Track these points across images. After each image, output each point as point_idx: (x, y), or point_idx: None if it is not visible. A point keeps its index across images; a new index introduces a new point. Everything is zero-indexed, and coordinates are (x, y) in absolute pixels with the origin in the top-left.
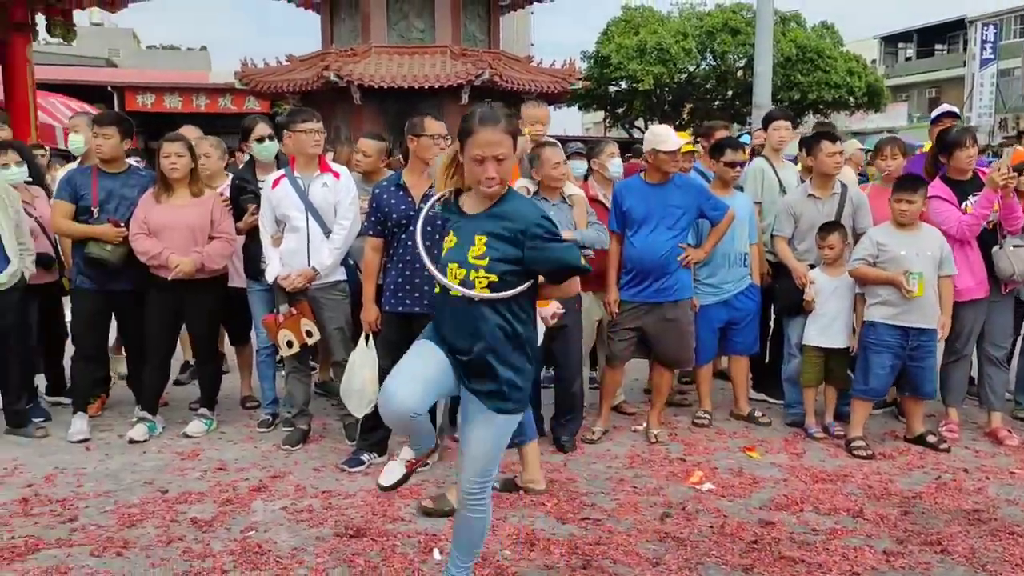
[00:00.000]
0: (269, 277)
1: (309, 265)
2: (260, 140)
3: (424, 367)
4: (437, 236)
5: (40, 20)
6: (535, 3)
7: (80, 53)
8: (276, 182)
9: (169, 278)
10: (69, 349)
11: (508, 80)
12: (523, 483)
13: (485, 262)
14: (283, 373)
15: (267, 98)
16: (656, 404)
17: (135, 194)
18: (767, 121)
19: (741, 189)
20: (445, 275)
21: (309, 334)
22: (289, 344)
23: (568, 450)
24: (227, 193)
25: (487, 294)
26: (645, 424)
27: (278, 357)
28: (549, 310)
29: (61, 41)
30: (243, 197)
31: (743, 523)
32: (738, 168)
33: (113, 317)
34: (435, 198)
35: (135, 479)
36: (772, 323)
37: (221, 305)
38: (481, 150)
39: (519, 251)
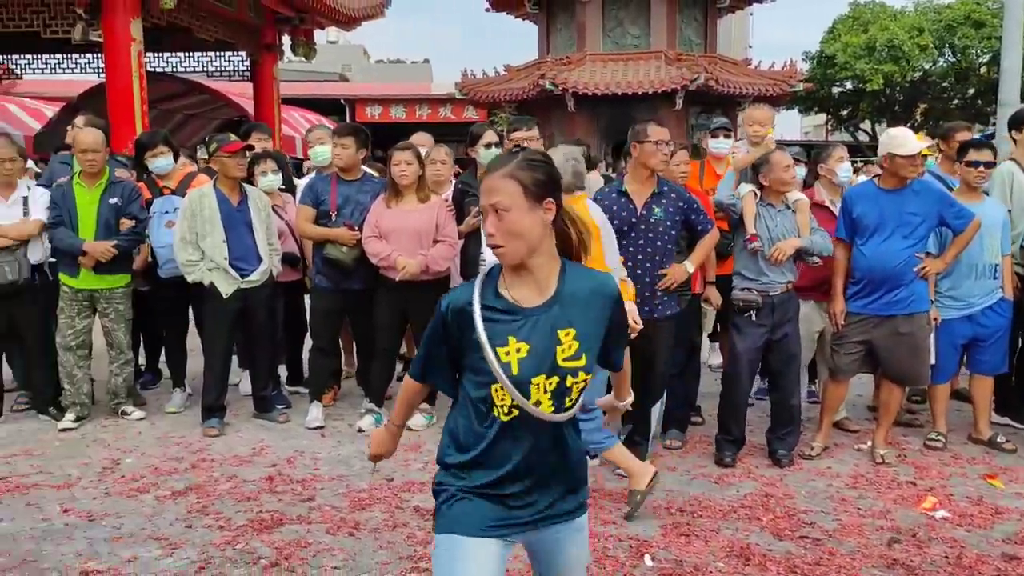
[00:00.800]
0: None
1: None
2: (487, 146)
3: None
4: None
5: (286, 40)
6: (754, 4)
7: (316, 69)
8: None
9: (396, 279)
10: (306, 343)
11: (724, 84)
12: (635, 486)
13: (582, 361)
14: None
15: (485, 107)
16: (883, 422)
17: (368, 199)
18: (1015, 122)
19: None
20: (527, 396)
21: None
22: None
23: (785, 464)
24: (451, 198)
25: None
26: (870, 443)
27: None
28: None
29: (303, 59)
30: (466, 200)
31: (983, 556)
32: (981, 168)
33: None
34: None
35: (364, 466)
36: (1022, 341)
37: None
38: (483, 198)
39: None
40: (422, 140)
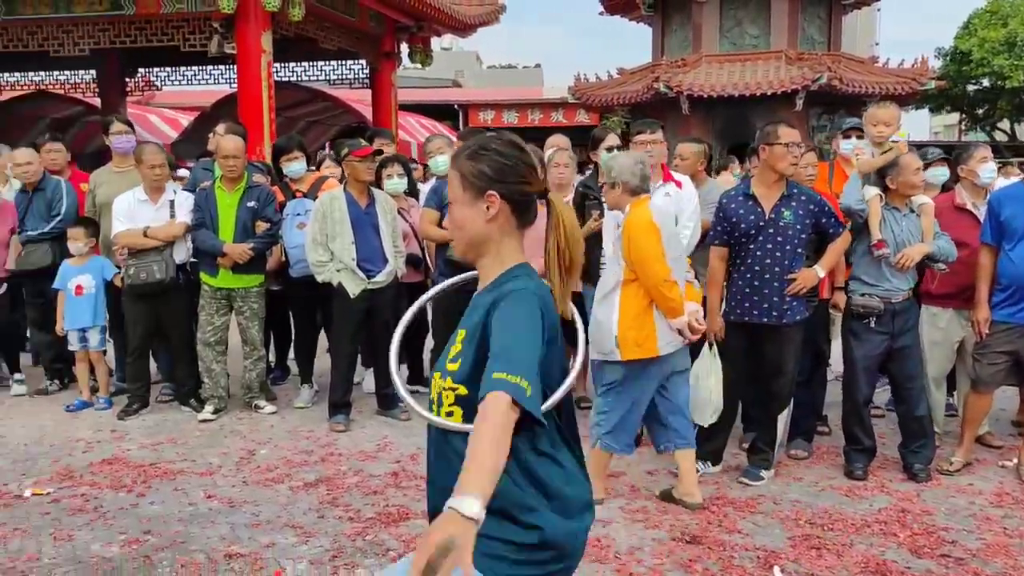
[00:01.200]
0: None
1: None
2: (609, 150)
3: None
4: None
5: (403, 48)
6: None
7: (431, 76)
8: None
9: None
10: (427, 344)
11: (848, 83)
12: (679, 495)
13: (456, 365)
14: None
15: (597, 111)
16: None
17: None
18: None
19: None
20: (430, 390)
21: None
22: None
23: (921, 479)
24: (571, 201)
25: (456, 423)
26: (1016, 460)
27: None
28: (683, 319)
29: (419, 66)
30: (587, 203)
31: None
32: None
33: None
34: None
35: None
36: None
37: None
38: None
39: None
40: (559, 142)
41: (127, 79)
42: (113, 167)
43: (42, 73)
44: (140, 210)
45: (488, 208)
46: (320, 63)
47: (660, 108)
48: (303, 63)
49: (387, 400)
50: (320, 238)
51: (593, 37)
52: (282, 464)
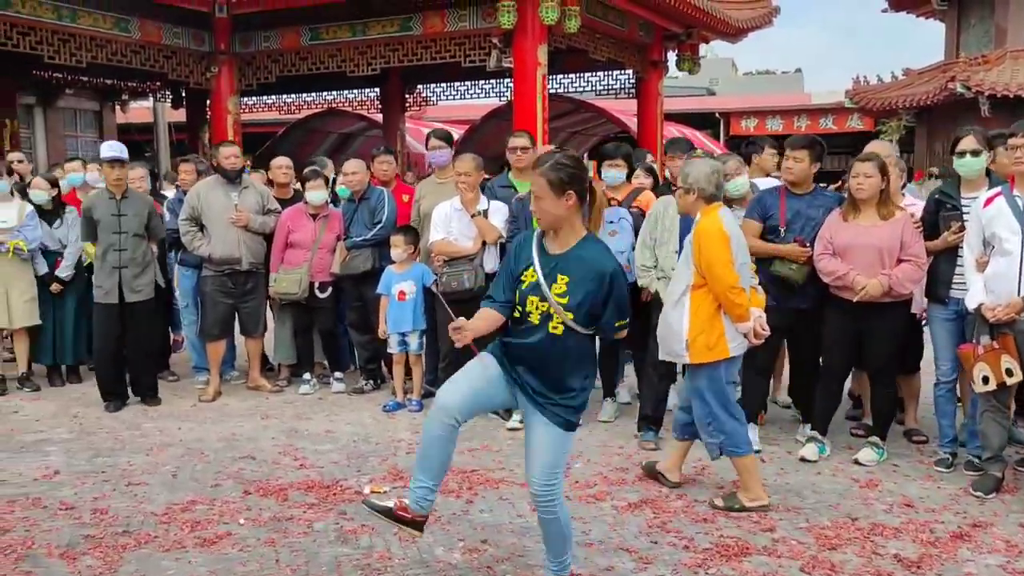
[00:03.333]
0: (971, 304)
1: (1020, 294)
2: (961, 155)
3: (474, 380)
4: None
5: (670, 57)
6: None
7: (685, 84)
8: (989, 200)
9: (854, 300)
10: None
11: None
12: (747, 501)
13: (566, 300)
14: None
15: (876, 115)
16: None
17: (820, 214)
18: None
19: None
20: (523, 306)
21: (1010, 372)
22: (985, 380)
23: None
24: (918, 214)
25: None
26: None
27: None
28: (749, 325)
29: (687, 73)
30: (945, 214)
31: None
32: None
33: None
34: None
35: (819, 500)
36: None
37: (904, 330)
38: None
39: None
40: (881, 148)
41: (406, 95)
42: (435, 178)
43: (333, 92)
44: (456, 219)
45: (567, 201)
46: (586, 74)
47: (951, 110)
48: (569, 75)
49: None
50: (649, 241)
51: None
52: (600, 480)
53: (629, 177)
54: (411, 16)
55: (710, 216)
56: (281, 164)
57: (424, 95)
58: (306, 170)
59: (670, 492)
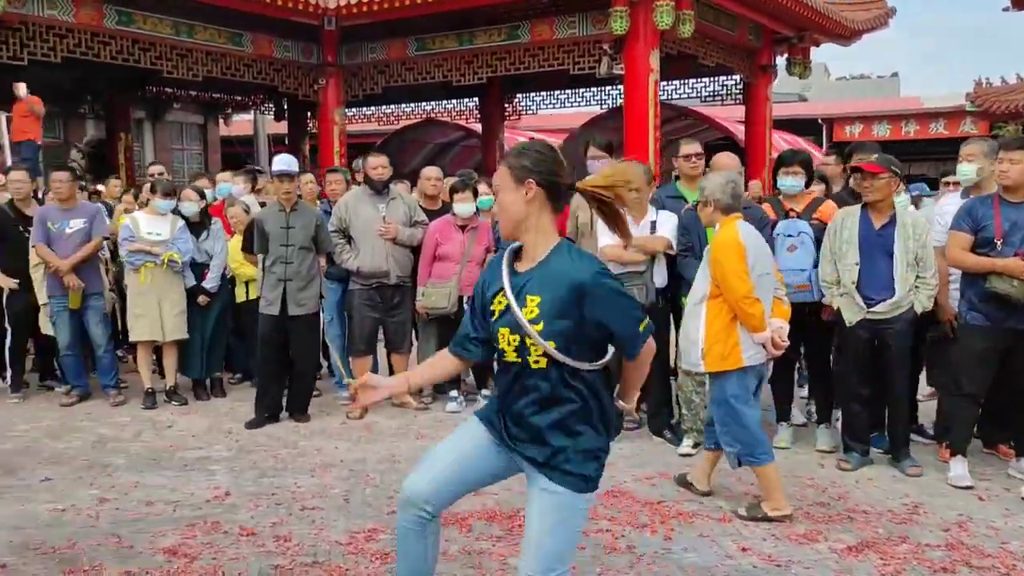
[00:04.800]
0: None
1: None
2: None
3: (449, 453)
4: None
5: (779, 62)
6: None
7: (777, 91)
8: None
9: None
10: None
11: None
12: (769, 510)
13: (539, 327)
14: None
15: (996, 119)
16: None
17: None
18: None
19: None
20: (496, 343)
21: None
22: None
23: None
24: None
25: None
26: None
27: None
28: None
29: (797, 77)
30: None
31: None
32: None
33: None
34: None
35: None
36: None
37: None
38: None
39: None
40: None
41: (506, 104)
42: None
43: (432, 103)
44: None
45: (527, 193)
46: (692, 80)
47: None
48: (673, 81)
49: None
50: (829, 256)
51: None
52: (803, 518)
53: (808, 185)
54: (519, 24)
55: (727, 227)
56: (430, 175)
57: (523, 104)
58: (454, 181)
59: (891, 534)
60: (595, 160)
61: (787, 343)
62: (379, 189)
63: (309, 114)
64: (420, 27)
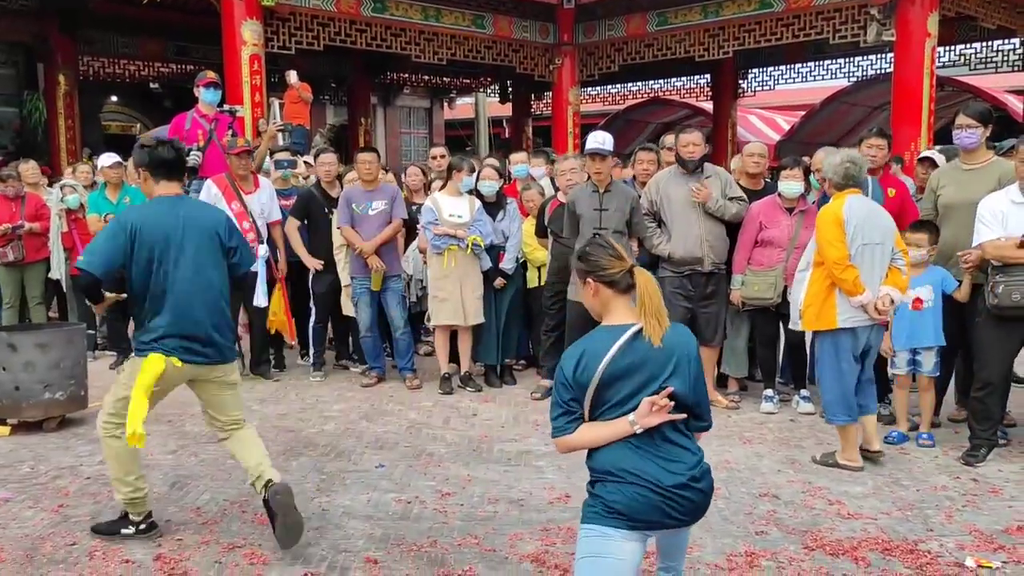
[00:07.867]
0: None
1: None
2: None
3: None
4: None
5: None
6: None
7: None
8: None
9: None
10: None
11: None
12: (841, 459)
13: None
14: None
15: None
16: None
17: None
18: None
19: None
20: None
21: None
22: None
23: None
24: None
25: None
26: None
27: None
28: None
29: None
30: None
31: None
32: None
33: None
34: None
35: None
36: None
37: None
38: None
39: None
40: None
41: (739, 80)
42: (961, 164)
43: (660, 81)
44: (1015, 215)
45: (586, 288)
46: (959, 47)
47: None
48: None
49: None
50: None
51: None
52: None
53: None
54: None
55: (836, 201)
56: (753, 152)
57: (759, 79)
58: (784, 159)
59: None
60: (966, 130)
61: (888, 309)
62: (692, 168)
63: (533, 96)
64: (662, 0)
